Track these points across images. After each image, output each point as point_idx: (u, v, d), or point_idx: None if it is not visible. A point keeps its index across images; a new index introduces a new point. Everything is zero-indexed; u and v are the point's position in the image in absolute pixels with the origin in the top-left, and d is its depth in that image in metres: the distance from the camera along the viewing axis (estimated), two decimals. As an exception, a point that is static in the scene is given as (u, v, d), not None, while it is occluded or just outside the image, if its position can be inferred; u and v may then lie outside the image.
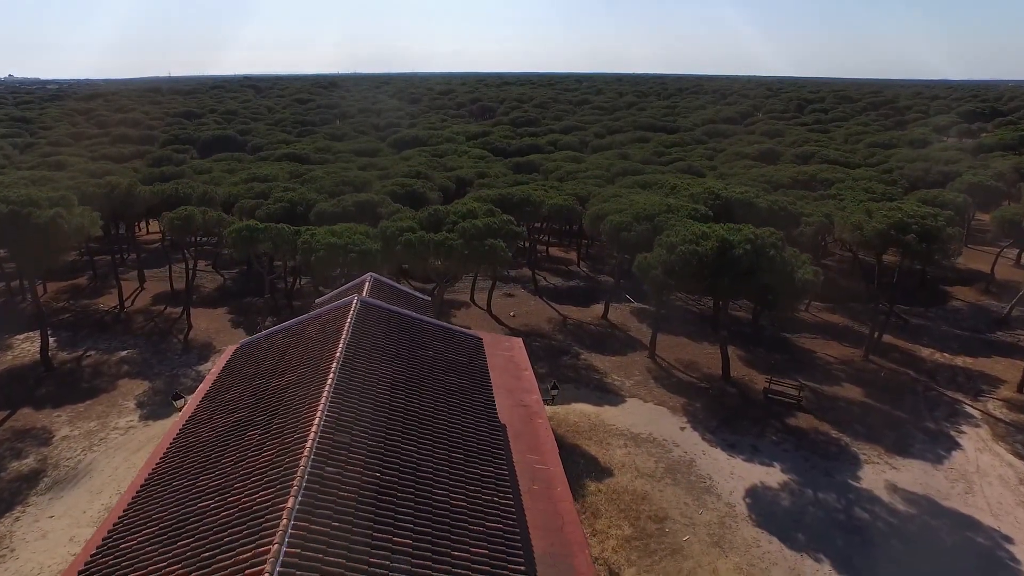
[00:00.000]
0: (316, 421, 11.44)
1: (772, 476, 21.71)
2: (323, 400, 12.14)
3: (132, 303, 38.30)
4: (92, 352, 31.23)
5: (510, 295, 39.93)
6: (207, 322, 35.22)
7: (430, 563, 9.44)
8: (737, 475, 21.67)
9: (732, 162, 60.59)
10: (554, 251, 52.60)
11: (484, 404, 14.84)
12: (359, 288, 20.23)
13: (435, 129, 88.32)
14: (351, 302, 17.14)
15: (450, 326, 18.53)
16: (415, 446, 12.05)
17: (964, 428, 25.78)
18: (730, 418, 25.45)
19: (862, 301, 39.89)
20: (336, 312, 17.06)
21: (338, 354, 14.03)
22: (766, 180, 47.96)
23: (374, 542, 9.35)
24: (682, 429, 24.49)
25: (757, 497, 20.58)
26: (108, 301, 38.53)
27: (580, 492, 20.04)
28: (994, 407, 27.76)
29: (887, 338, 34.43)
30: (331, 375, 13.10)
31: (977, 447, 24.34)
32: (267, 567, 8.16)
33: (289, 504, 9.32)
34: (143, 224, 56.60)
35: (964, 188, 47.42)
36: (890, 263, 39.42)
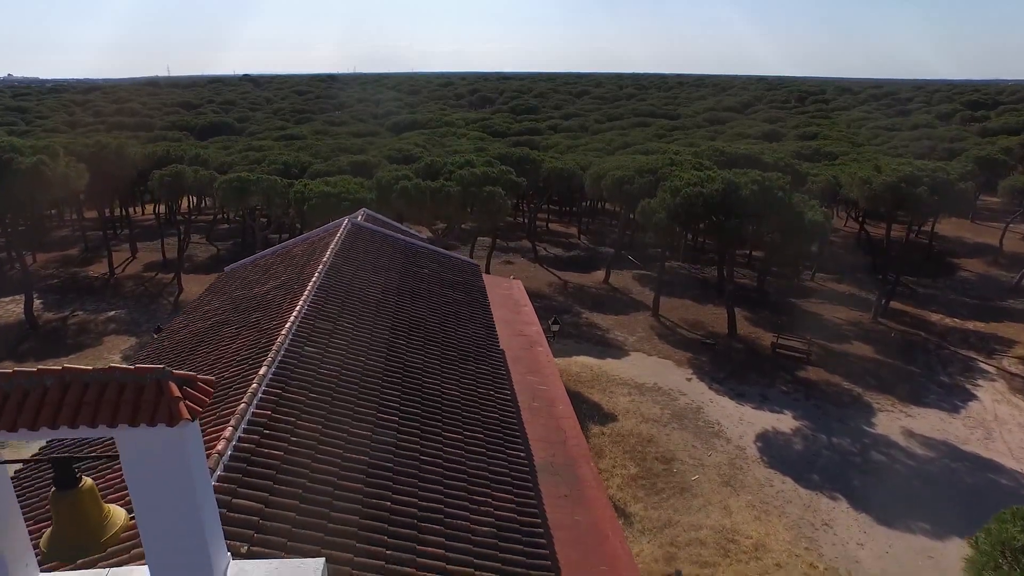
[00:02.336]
0: (297, 309, 10.54)
1: (783, 422, 20.79)
2: (306, 293, 11.24)
3: (123, 271, 37.40)
4: (79, 312, 30.33)
5: (509, 262, 39.00)
6: (199, 287, 34.18)
7: (418, 440, 8.54)
8: (747, 421, 20.74)
9: (735, 142, 59.79)
10: (554, 227, 51.71)
11: (482, 316, 13.94)
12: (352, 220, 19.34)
13: (434, 115, 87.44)
14: (341, 223, 16.28)
15: (446, 252, 17.63)
16: (405, 341, 11.15)
17: (980, 382, 24.85)
18: (737, 371, 24.52)
19: (868, 272, 39.05)
20: (325, 233, 16.19)
21: (325, 259, 13.14)
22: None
23: (356, 415, 8.44)
24: (688, 380, 23.56)
25: (768, 441, 19.66)
26: (98, 269, 37.62)
27: (583, 434, 19.08)
28: (1009, 363, 26.85)
29: (895, 304, 33.54)
30: (316, 276, 12.20)
31: (994, 399, 23.42)
32: (232, 423, 7.25)
33: (261, 372, 8.41)
34: (138, 208, 55.79)
35: (971, 160, 46.60)
36: (897, 237, 38.60)
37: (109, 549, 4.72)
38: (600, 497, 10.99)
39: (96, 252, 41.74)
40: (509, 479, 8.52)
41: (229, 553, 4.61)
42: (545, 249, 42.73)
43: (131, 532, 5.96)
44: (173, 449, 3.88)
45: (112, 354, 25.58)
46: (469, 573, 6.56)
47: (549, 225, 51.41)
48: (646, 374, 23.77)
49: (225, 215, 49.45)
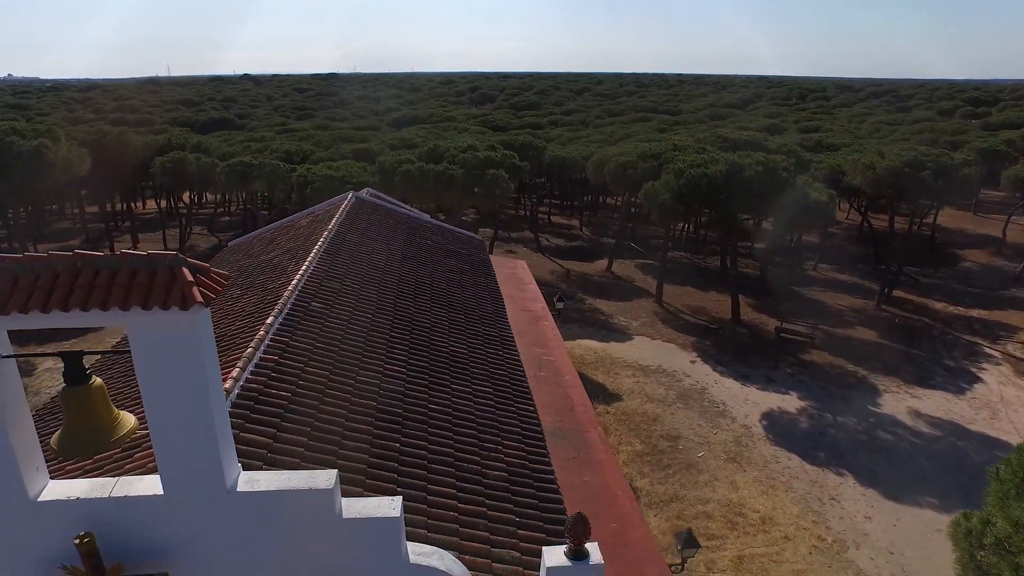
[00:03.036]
0: (302, 270, 10.46)
1: (788, 402, 20.69)
2: (311, 256, 11.16)
3: (124, 260, 37.27)
4: (80, 299, 30.23)
5: (512, 252, 38.89)
6: (200, 276, 34.17)
7: (426, 390, 8.45)
8: (752, 401, 20.65)
9: (737, 131, 59.66)
10: (556, 219, 51.64)
11: (487, 284, 13.85)
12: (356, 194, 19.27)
13: (435, 111, 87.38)
14: (345, 197, 16.21)
15: (451, 226, 17.54)
16: (411, 302, 11.07)
17: (985, 366, 24.76)
18: (742, 354, 24.42)
19: (871, 263, 38.98)
20: (329, 206, 16.11)
21: (330, 227, 13.07)
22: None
23: (363, 364, 8.35)
24: (692, 363, 23.46)
25: (773, 420, 19.56)
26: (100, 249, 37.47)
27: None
28: (1014, 348, 26.75)
29: (898, 293, 33.44)
30: (322, 241, 12.12)
31: (1000, 381, 23.32)
32: (239, 365, 7.16)
33: (268, 321, 8.33)
34: (139, 203, 55.73)
35: (974, 152, 46.50)
36: (899, 230, 38.51)
37: (122, 446, 4.64)
38: (609, 460, 10.90)
39: (97, 243, 41.65)
40: (519, 430, 8.43)
41: (240, 464, 4.53)
42: (547, 240, 42.65)
43: (142, 436, 5.91)
44: (185, 338, 3.80)
45: (113, 338, 25.48)
46: (481, 512, 6.47)
47: (551, 218, 51.34)
48: (650, 357, 23.67)
49: (226, 208, 49.40)
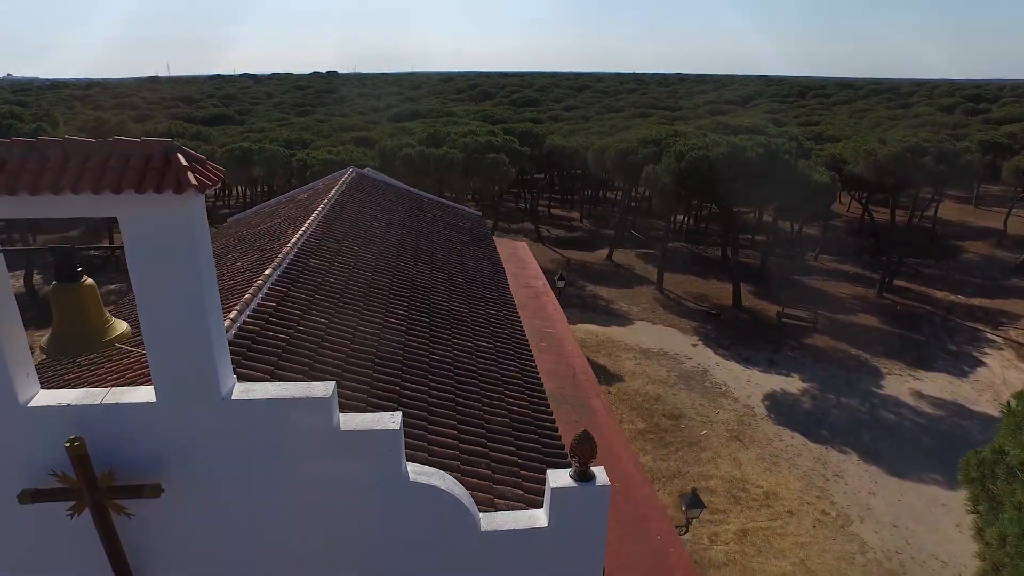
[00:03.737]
0: (301, 231, 10.34)
1: (791, 384, 20.58)
2: (311, 220, 11.05)
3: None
4: (79, 287, 30.10)
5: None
6: (199, 264, 34.05)
7: (427, 343, 8.33)
8: (754, 383, 20.53)
9: (738, 120, 59.51)
10: (556, 212, 51.55)
11: (488, 254, 13.74)
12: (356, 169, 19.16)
13: (435, 107, 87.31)
14: (345, 171, 16.10)
15: (452, 203, 17.42)
16: (411, 265, 10.95)
17: (987, 350, 24.64)
18: (743, 338, 24.31)
19: (872, 254, 38.89)
20: (329, 180, 16.00)
21: (330, 196, 12.96)
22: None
23: (363, 316, 8.24)
24: (694, 346, 23.34)
25: (776, 400, 19.44)
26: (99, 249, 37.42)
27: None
28: (1017, 334, 26.65)
29: (899, 282, 33.35)
30: (322, 208, 12.01)
31: (1003, 365, 23.21)
32: (237, 308, 7.04)
33: (267, 272, 8.21)
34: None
35: (976, 143, 46.40)
36: (900, 223, 38.40)
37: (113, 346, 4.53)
38: (611, 425, 10.78)
39: (96, 235, 41.53)
40: (521, 382, 8.31)
41: (235, 375, 4.41)
42: (547, 231, 42.55)
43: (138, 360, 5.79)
44: (179, 227, 3.68)
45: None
46: (482, 452, 6.35)
47: (551, 210, 51.26)
48: (651, 340, 23.56)
49: (225, 200, 49.31)
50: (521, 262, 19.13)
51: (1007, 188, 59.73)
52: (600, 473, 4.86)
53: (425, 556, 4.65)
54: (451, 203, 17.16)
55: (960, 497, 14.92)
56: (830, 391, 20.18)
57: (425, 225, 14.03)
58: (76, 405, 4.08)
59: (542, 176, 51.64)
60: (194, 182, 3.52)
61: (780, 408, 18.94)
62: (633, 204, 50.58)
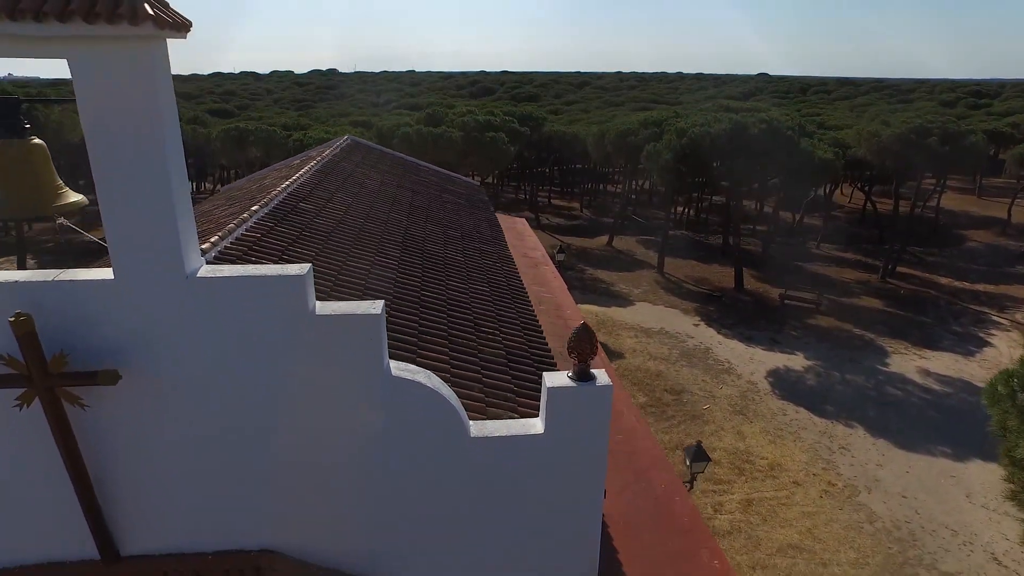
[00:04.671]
0: (292, 179, 9.98)
1: (795, 361, 20.21)
2: (302, 172, 10.69)
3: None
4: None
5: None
6: (195, 250, 33.71)
7: (419, 283, 7.96)
8: (757, 360, 20.16)
9: (738, 103, 59.13)
10: (556, 202, 51.21)
11: (485, 214, 13.38)
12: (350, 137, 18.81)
13: (434, 101, 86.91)
14: (341, 138, 15.75)
15: (448, 172, 17.06)
16: (405, 217, 10.59)
17: (994, 332, 24.27)
18: (746, 319, 23.94)
19: (874, 243, 38.53)
20: (324, 147, 15.64)
21: (324, 155, 12.61)
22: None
23: (352, 254, 7.88)
24: (695, 325, 22.97)
25: (780, 377, 19.08)
26: (96, 235, 37.05)
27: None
28: (1022, 317, 26.27)
29: (903, 269, 32.97)
30: (315, 163, 11.65)
31: (1009, 345, 22.83)
32: (219, 234, 6.68)
33: (254, 208, 7.85)
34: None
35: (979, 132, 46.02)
36: (903, 213, 38.07)
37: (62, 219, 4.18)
38: (612, 380, 10.42)
39: (90, 226, 41.21)
40: (518, 322, 7.95)
41: (203, 257, 4.05)
42: (548, 219, 42.21)
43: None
44: (138, 74, 3.32)
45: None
46: (476, 378, 5.99)
47: (551, 200, 50.94)
48: (652, 320, 23.19)
49: (221, 187, 48.91)
50: (520, 235, 18.76)
51: (1010, 180, 59.43)
52: (601, 375, 4.51)
53: (411, 462, 4.28)
54: (448, 172, 16.81)
55: (968, 470, 14.60)
56: (835, 369, 19.81)
57: (421, 186, 13.67)
58: (25, 282, 3.72)
59: (543, 169, 51.37)
60: (151, 12, 3.16)
61: (784, 384, 18.58)
62: (633, 196, 50.28)
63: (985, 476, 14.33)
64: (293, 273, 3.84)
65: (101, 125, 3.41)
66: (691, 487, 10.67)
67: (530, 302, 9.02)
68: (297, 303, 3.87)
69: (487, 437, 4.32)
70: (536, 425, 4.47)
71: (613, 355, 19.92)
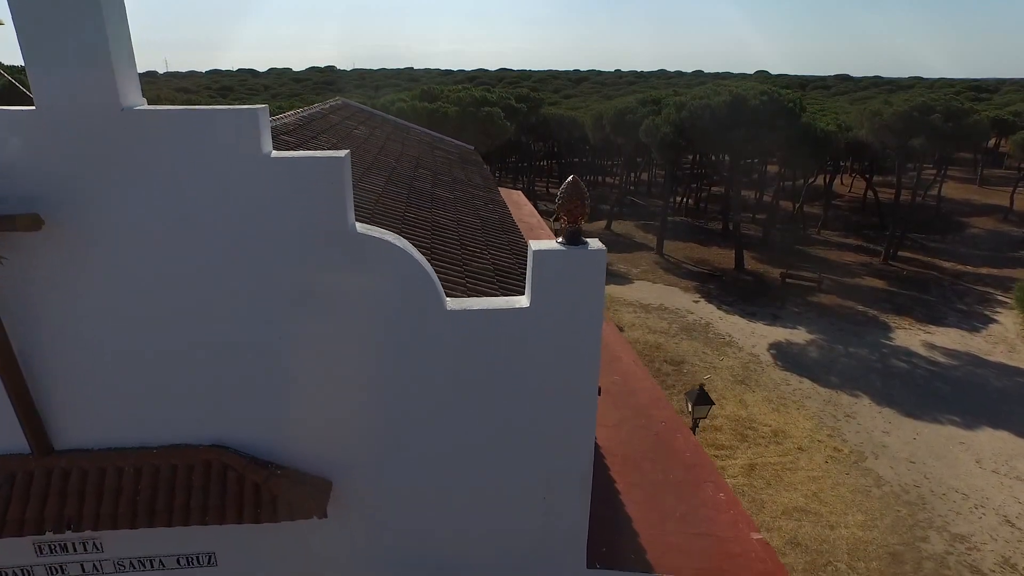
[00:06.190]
0: (276, 119, 9.51)
1: (797, 335, 19.75)
2: (288, 113, 10.21)
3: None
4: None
5: (508, 215, 37.96)
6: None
7: (402, 205, 7.49)
8: (759, 334, 19.70)
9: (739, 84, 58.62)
10: (554, 191, 50.75)
11: (479, 171, 12.91)
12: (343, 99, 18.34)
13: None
14: (332, 100, 15.29)
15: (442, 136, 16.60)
16: (394, 160, 10.12)
17: (999, 310, 23.83)
18: (747, 296, 23.47)
19: (875, 230, 38.08)
20: (315, 108, 15.17)
21: (314, 110, 12.13)
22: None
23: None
24: (695, 302, 22.51)
25: (782, 349, 18.62)
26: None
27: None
28: (1028, 297, 25.81)
29: (905, 253, 32.52)
30: (300, 110, 11.18)
31: (1015, 322, 22.39)
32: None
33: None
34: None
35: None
36: (904, 202, 37.65)
37: None
38: (609, 327, 9.97)
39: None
40: (509, 248, 7.48)
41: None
42: (546, 206, 41.72)
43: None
44: None
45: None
46: (460, 284, 5.51)
47: (549, 190, 50.51)
48: (651, 297, 22.73)
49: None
50: (517, 205, 18.30)
51: (1010, 171, 59.09)
52: (594, 242, 4.05)
53: (379, 336, 3.79)
54: (441, 135, 16.36)
55: (977, 437, 14.12)
56: (838, 343, 19.36)
57: (412, 144, 13.21)
58: (-66, 113, 3.25)
59: (542, 163, 50.87)
60: None
61: (787, 356, 18.12)
62: (631, 187, 49.87)
63: (996, 443, 13.88)
64: (246, 108, 3.37)
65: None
66: (693, 431, 10.17)
67: (523, 235, 8.55)
68: (249, 144, 3.40)
69: (466, 311, 3.85)
70: (521, 301, 4.00)
71: (611, 329, 19.45)
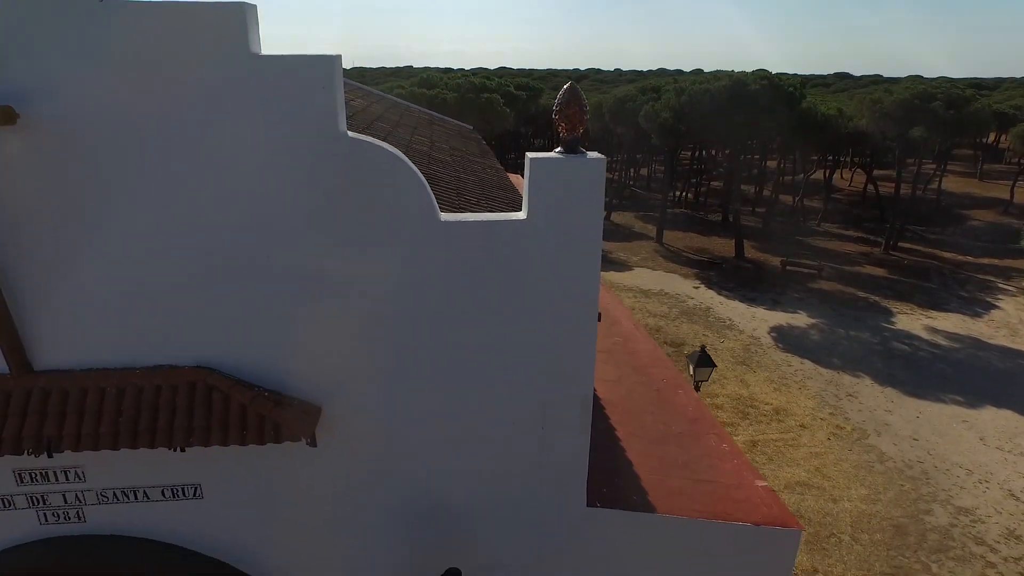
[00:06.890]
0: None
1: (798, 319, 19.63)
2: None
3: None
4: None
5: (508, 207, 37.82)
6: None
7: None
8: (759, 318, 19.58)
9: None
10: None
11: (479, 146, 12.78)
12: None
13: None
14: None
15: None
16: (389, 127, 9.97)
17: (1001, 296, 23.71)
18: (747, 283, 23.35)
19: (875, 222, 37.96)
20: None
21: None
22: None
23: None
24: (695, 288, 22.39)
25: (783, 332, 18.50)
26: None
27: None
28: (1029, 285, 25.72)
29: (906, 244, 32.42)
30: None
31: (1017, 308, 22.27)
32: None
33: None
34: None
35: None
36: (904, 195, 37.55)
37: None
38: (608, 293, 9.83)
39: None
40: (510, 206, 7.34)
41: None
42: (544, 198, 41.59)
43: None
44: None
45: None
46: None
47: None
48: (651, 283, 22.61)
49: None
50: (517, 184, 18.21)
51: (1011, 166, 59.03)
52: (594, 154, 3.90)
53: (370, 250, 3.64)
54: (441, 115, 16.22)
55: (981, 416, 13.99)
56: (839, 326, 19.23)
57: (410, 118, 13.08)
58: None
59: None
60: None
61: (788, 339, 18.00)
62: (630, 183, 49.75)
63: (999, 421, 13.76)
64: (233, 1, 3.23)
65: None
66: (694, 390, 10.04)
67: (516, 194, 8.42)
68: (235, 41, 3.26)
69: (461, 222, 3.71)
70: (517, 215, 3.86)
71: (611, 312, 19.31)
